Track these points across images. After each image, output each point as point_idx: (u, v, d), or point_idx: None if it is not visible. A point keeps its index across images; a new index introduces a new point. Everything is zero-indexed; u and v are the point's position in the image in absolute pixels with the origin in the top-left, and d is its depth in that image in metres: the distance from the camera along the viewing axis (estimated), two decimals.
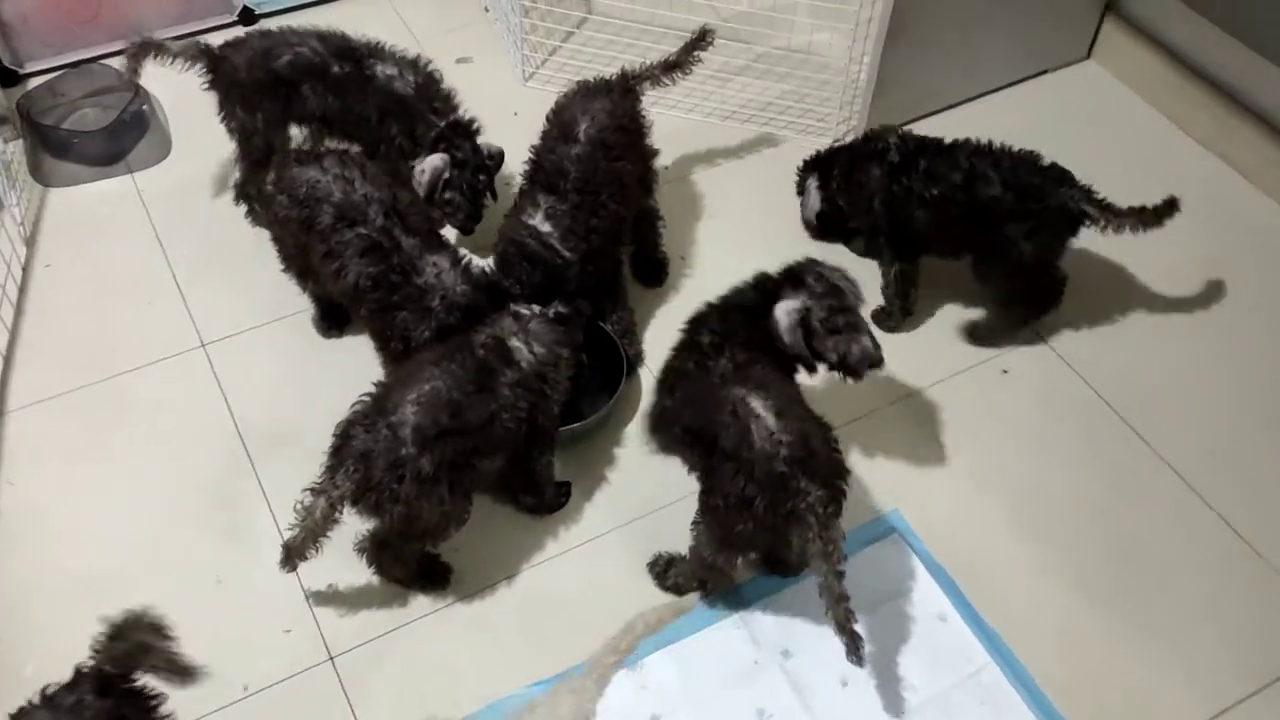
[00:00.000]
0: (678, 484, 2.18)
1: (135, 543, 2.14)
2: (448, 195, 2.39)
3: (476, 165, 2.41)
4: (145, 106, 2.84)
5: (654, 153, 2.49)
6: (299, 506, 1.83)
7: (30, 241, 2.64)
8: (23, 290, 2.54)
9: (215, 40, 2.50)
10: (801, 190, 2.65)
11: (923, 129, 2.55)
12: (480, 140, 2.45)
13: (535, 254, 2.23)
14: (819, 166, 2.60)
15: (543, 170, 2.28)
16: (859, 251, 2.66)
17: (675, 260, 2.66)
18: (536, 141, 2.35)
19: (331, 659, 2.01)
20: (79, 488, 2.22)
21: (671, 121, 2.98)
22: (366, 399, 1.92)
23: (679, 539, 2.15)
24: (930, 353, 2.50)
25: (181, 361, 2.43)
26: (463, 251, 2.23)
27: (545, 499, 2.17)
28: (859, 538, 2.15)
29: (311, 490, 1.83)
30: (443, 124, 2.41)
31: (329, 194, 2.11)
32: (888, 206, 2.42)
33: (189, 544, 2.14)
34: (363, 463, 1.83)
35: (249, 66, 2.40)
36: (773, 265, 2.06)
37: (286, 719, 1.94)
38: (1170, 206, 2.31)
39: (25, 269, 2.58)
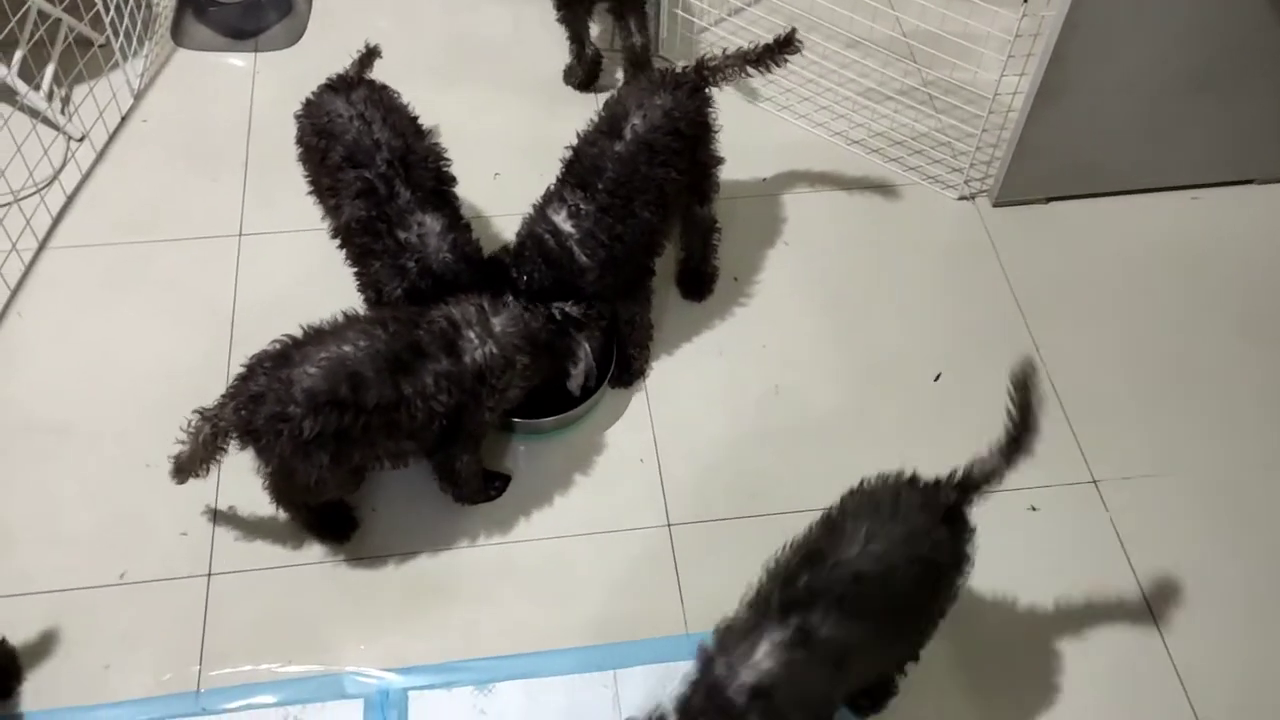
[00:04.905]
0: (624, 512, 2.10)
1: (91, 409, 2.21)
2: None
3: None
4: None
5: (717, 160, 2.27)
6: (188, 426, 1.83)
7: (140, 95, 2.75)
8: (113, 138, 2.66)
9: None
10: None
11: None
12: None
13: (551, 253, 2.07)
14: None
15: (579, 163, 2.11)
16: None
17: (727, 279, 2.46)
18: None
19: (209, 575, 2.02)
20: (69, 339, 2.32)
21: (793, 131, 2.75)
22: (287, 339, 1.87)
23: (596, 569, 2.03)
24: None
25: (213, 245, 2.47)
26: (468, 220, 2.12)
27: (464, 492, 2.08)
28: None
29: (200, 413, 1.82)
30: None
31: (344, 131, 2.06)
32: None
33: (138, 422, 2.19)
34: (251, 404, 1.79)
35: None
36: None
37: (144, 618, 1.96)
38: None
39: (124, 119, 2.70)
